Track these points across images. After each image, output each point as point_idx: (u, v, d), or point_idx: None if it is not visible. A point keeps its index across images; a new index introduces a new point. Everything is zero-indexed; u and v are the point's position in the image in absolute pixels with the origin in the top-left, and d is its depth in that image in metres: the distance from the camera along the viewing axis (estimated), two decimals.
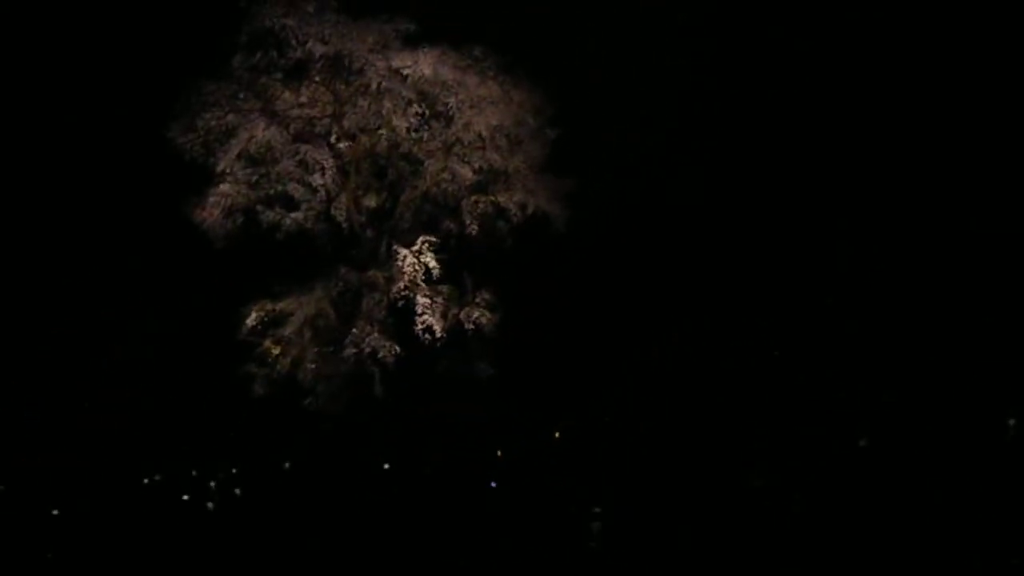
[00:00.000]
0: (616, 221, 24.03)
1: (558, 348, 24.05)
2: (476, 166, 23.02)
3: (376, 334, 21.47)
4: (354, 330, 21.47)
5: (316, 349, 22.35)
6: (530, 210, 23.33)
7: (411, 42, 21.94)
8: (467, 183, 23.26)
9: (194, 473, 22.06)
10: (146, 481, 21.53)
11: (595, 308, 24.16)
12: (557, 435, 26.11)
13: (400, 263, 21.78)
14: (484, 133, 22.51)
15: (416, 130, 22.45)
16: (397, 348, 21.36)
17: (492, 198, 23.36)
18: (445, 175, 23.25)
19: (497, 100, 22.32)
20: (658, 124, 24.30)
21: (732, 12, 23.84)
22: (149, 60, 21.17)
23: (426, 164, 23.19)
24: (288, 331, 22.79)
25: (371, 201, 23.51)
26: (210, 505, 21.24)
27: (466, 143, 22.96)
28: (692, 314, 23.90)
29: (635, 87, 24.20)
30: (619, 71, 24.14)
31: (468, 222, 23.02)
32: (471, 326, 21.96)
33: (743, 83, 23.63)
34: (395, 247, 21.77)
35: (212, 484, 21.62)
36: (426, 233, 23.07)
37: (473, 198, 23.21)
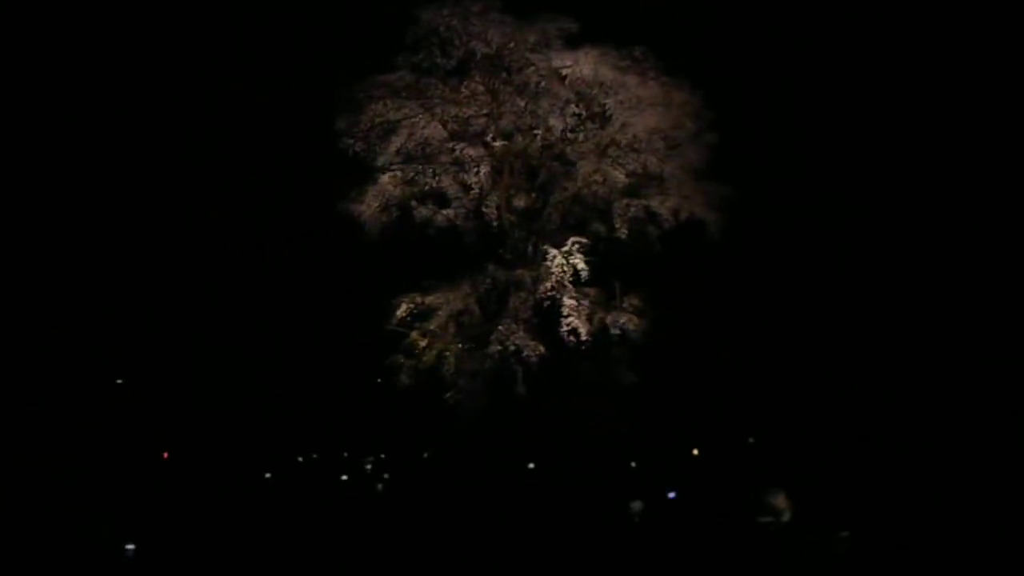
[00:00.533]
0: (771, 231, 22.59)
1: (703, 358, 22.84)
2: (630, 169, 22.25)
3: (521, 332, 21.20)
4: (500, 327, 21.22)
5: (461, 344, 22.12)
6: (683, 216, 22.38)
7: (573, 41, 21.43)
8: (619, 186, 22.61)
9: (345, 455, 22.33)
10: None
11: (743, 318, 22.84)
12: (695, 452, 25.06)
13: (549, 263, 21.36)
14: (641, 135, 21.84)
15: (572, 130, 21.97)
16: (542, 348, 20.97)
17: (644, 202, 22.53)
18: (597, 176, 22.68)
19: (657, 102, 21.71)
20: (819, 137, 22.79)
21: None
22: (323, 56, 21.39)
23: (579, 165, 22.64)
24: (435, 324, 22.70)
25: (522, 200, 23.19)
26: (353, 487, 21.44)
27: (622, 145, 22.30)
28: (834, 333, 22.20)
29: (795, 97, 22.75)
30: (779, 80, 22.75)
31: (618, 225, 22.31)
32: (617, 331, 21.31)
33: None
34: (544, 247, 21.27)
35: (367, 467, 21.84)
36: (575, 235, 22.41)
37: (624, 201, 22.49)
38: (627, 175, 22.53)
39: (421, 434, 22.51)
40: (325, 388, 23.27)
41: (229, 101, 22.18)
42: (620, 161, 22.51)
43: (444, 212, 23.80)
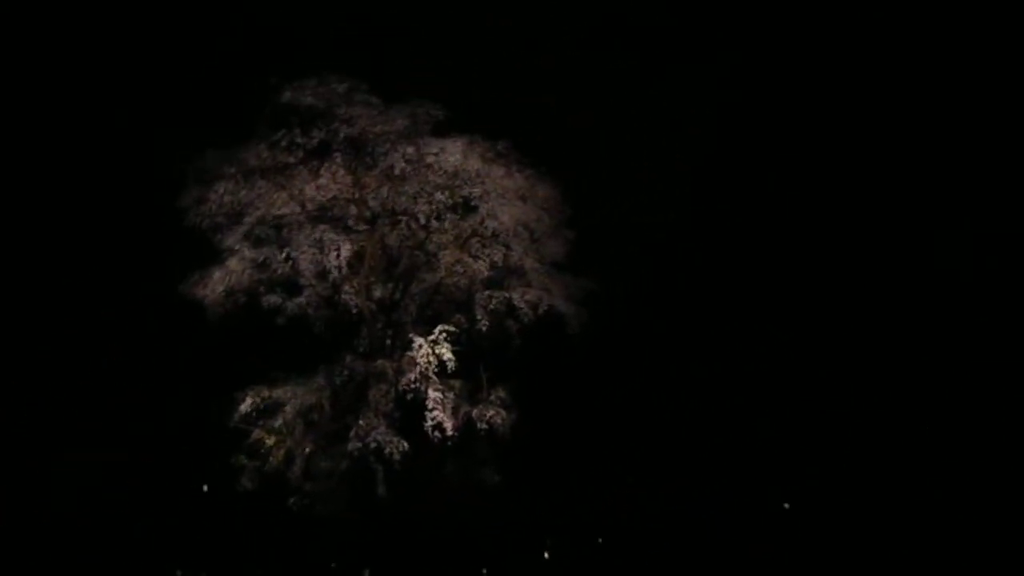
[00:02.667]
0: (631, 323, 22.02)
1: (566, 454, 21.54)
2: (493, 260, 21.06)
3: (383, 428, 18.93)
4: (360, 422, 18.90)
5: (313, 443, 19.54)
6: (542, 309, 21.36)
7: (440, 129, 20.25)
8: (480, 277, 21.32)
9: (178, 573, 18.74)
10: None
11: (605, 412, 21.90)
12: (546, 555, 23.54)
13: (413, 353, 19.44)
14: (506, 226, 20.73)
15: (437, 218, 20.53)
16: (405, 444, 18.79)
17: (506, 294, 21.34)
18: (458, 267, 21.30)
19: (522, 194, 20.76)
20: (674, 225, 22.82)
21: (739, 106, 22.86)
22: (167, 125, 18.94)
23: (441, 254, 21.18)
24: (284, 420, 20.03)
25: (382, 288, 21.32)
26: None
27: (486, 235, 21.14)
28: (705, 422, 21.81)
29: (651, 187, 22.78)
30: (635, 170, 22.76)
31: (479, 317, 20.90)
32: (484, 425, 19.55)
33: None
34: (411, 336, 19.43)
35: None
36: (433, 327, 20.78)
37: (487, 293, 21.18)
38: (490, 266, 21.16)
39: (266, 546, 19.22)
40: (155, 493, 19.58)
41: (69, 162, 18.86)
42: (483, 252, 21.15)
43: (295, 300, 21.29)
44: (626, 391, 22.17)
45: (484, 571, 21.81)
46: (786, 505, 21.89)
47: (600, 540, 24.08)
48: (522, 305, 21.50)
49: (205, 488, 21.98)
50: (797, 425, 20.53)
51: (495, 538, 21.48)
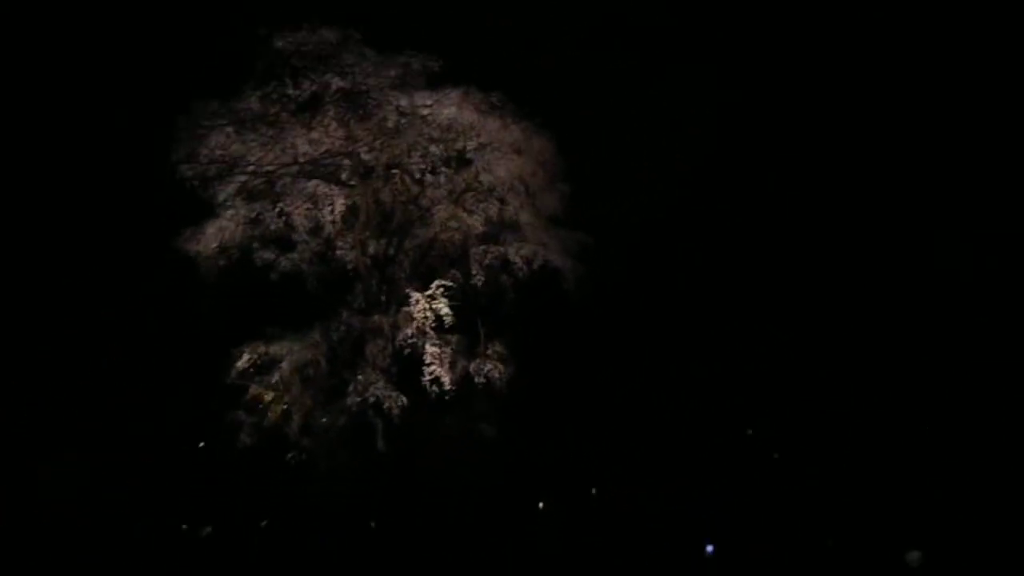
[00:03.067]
0: (629, 278, 21.95)
1: (562, 408, 21.60)
2: (488, 215, 20.86)
3: (382, 383, 18.86)
4: (359, 376, 18.81)
5: (311, 398, 19.48)
6: (536, 264, 21.21)
7: (435, 80, 19.85)
8: (476, 232, 21.12)
9: (184, 527, 18.77)
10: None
11: (601, 367, 21.91)
12: (541, 505, 23.76)
13: (410, 308, 19.31)
14: (501, 180, 20.47)
15: (432, 172, 20.24)
16: (404, 399, 18.76)
17: (501, 248, 21.16)
18: (453, 223, 21.06)
19: (518, 147, 20.48)
20: (673, 181, 22.65)
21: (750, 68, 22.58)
22: (158, 78, 18.45)
23: (435, 209, 20.95)
24: (280, 376, 19.94)
25: (376, 243, 21.10)
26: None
27: (481, 189, 20.89)
28: (700, 376, 21.90)
29: (653, 143, 22.55)
30: (632, 123, 22.50)
31: (475, 272, 20.73)
32: (482, 379, 19.53)
33: (761, 137, 22.25)
34: (407, 291, 19.27)
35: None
36: (427, 282, 20.63)
37: (482, 247, 20.99)
38: (485, 221, 20.97)
39: (267, 499, 19.26)
40: (153, 450, 19.52)
41: (56, 112, 18.39)
42: (478, 207, 20.90)
43: (288, 256, 21.07)
44: (622, 345, 22.12)
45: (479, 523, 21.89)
46: (749, 431, 22.05)
47: (594, 491, 24.25)
48: (517, 260, 21.35)
49: (202, 445, 21.90)
50: (804, 373, 20.58)
51: (493, 490, 21.55)
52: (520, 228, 21.63)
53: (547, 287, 21.72)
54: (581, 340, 22.19)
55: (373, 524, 19.25)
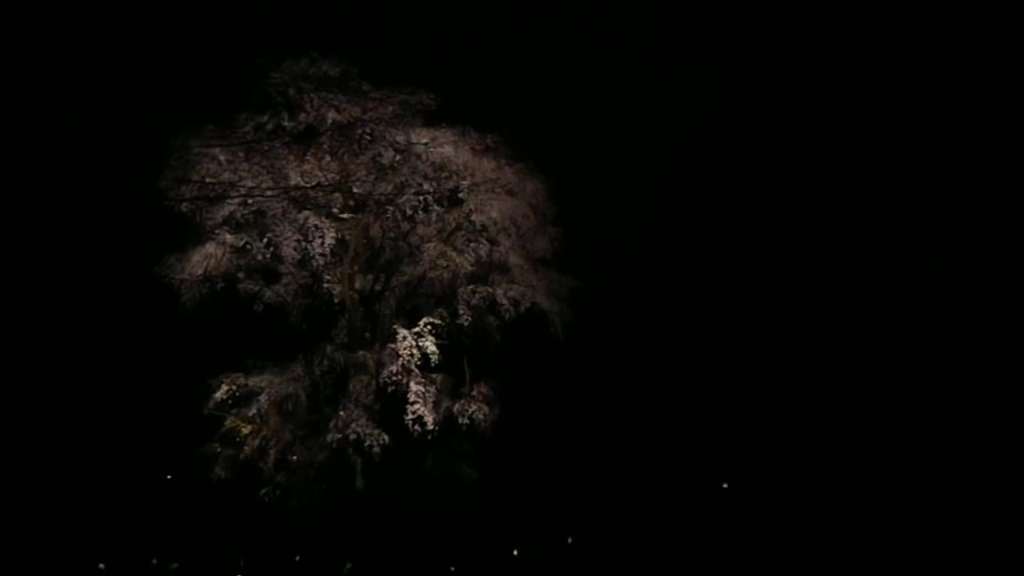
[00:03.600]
0: (616, 321, 21.94)
1: (545, 452, 21.39)
2: (478, 255, 20.82)
3: (364, 420, 18.56)
4: (341, 413, 18.52)
5: (290, 433, 19.11)
6: (523, 307, 21.13)
7: (432, 118, 19.95)
8: (465, 271, 21.04)
9: (153, 561, 18.15)
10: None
11: (584, 412, 21.77)
12: (515, 552, 23.39)
13: (396, 345, 19.10)
14: (493, 221, 20.48)
15: (424, 209, 20.19)
16: (385, 437, 18.46)
17: (490, 289, 21.08)
18: (442, 261, 20.98)
19: (511, 189, 20.54)
20: (661, 222, 22.79)
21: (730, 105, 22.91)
22: (151, 101, 18.34)
23: (425, 247, 20.88)
24: (258, 409, 19.57)
25: (363, 279, 20.96)
26: None
27: (472, 229, 20.88)
28: (683, 424, 21.81)
29: (639, 185, 22.74)
30: (623, 168, 22.70)
31: (462, 312, 20.59)
32: (466, 421, 19.28)
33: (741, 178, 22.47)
34: (395, 327, 19.08)
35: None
36: (414, 318, 20.47)
37: (471, 287, 20.89)
38: (475, 261, 20.91)
39: (238, 536, 18.73)
40: (127, 480, 18.99)
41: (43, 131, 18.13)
42: (469, 246, 20.87)
43: (273, 288, 20.81)
44: (608, 390, 21.98)
45: (452, 569, 21.47)
46: (724, 485, 21.91)
47: (570, 540, 23.91)
48: (504, 301, 21.17)
49: (169, 477, 21.34)
50: (783, 425, 20.54)
51: (470, 533, 21.17)
52: (509, 269, 21.57)
53: (534, 329, 21.51)
54: (566, 384, 21.95)
55: (349, 565, 18.73)
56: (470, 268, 21.31)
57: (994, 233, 20.04)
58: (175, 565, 18.32)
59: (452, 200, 21.43)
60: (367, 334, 21.34)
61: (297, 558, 18.72)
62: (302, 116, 20.06)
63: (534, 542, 22.41)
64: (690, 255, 22.98)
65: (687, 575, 17.89)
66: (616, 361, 22.75)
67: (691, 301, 22.95)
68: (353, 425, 18.85)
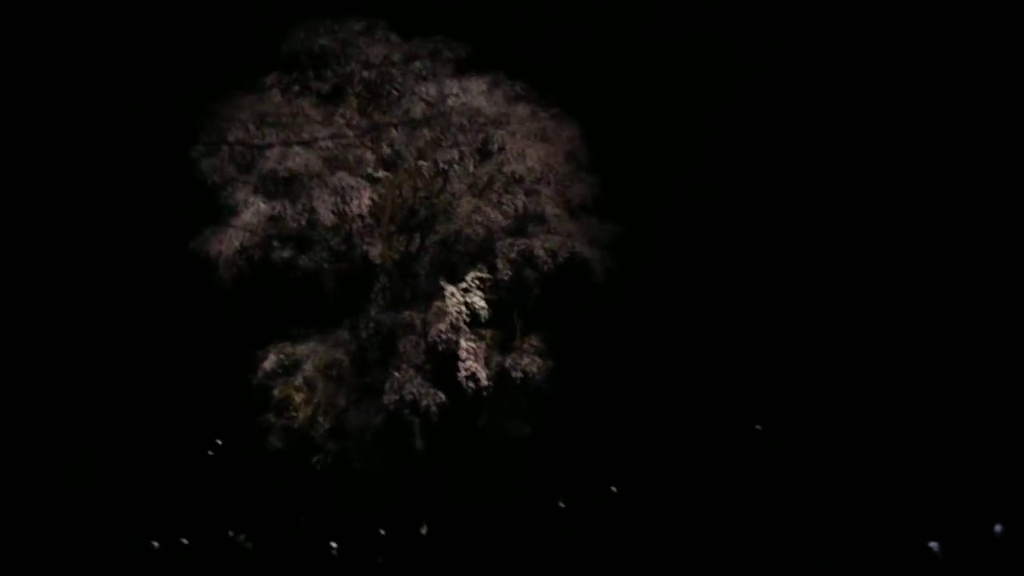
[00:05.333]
0: (658, 270, 21.85)
1: (596, 404, 21.43)
2: (514, 207, 20.65)
3: (418, 380, 18.57)
4: (396, 374, 18.53)
5: (344, 397, 19.16)
6: (562, 257, 20.96)
7: (462, 68, 19.65)
8: (502, 225, 20.88)
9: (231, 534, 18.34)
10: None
11: (629, 363, 21.76)
12: (562, 504, 23.58)
13: (443, 303, 19.05)
14: (530, 169, 20.26)
15: (459, 163, 20.00)
16: (442, 396, 18.49)
17: (528, 241, 20.95)
18: (477, 216, 20.83)
19: (546, 136, 20.27)
20: (700, 171, 22.61)
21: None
22: (178, 69, 18.09)
23: (460, 202, 20.71)
24: (304, 377, 19.60)
25: (400, 239, 20.84)
26: None
27: (507, 181, 20.67)
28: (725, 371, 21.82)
29: (679, 132, 22.50)
30: (661, 111, 22.41)
31: (501, 266, 20.49)
32: (519, 375, 19.29)
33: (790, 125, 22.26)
34: (441, 284, 19.01)
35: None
36: (452, 277, 20.37)
37: (508, 240, 20.75)
38: (512, 213, 20.76)
39: (299, 503, 18.90)
40: (178, 456, 19.12)
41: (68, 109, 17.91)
42: (506, 198, 20.67)
43: (309, 254, 20.72)
44: (654, 337, 21.96)
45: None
46: (758, 427, 22.01)
47: (614, 489, 24.09)
48: (541, 254, 21.03)
49: (210, 453, 21.46)
50: (815, 379, 20.52)
51: (523, 488, 21.30)
52: (546, 220, 21.41)
53: (577, 278, 21.44)
54: (611, 334, 21.93)
55: (424, 530, 18.89)
56: (506, 221, 21.10)
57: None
58: (242, 537, 18.47)
59: (485, 152, 21.16)
60: (408, 294, 21.23)
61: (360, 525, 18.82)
62: (328, 75, 19.78)
63: (582, 495, 22.51)
64: (733, 198, 22.72)
65: (727, 528, 17.94)
66: (662, 307, 22.62)
67: (736, 243, 22.78)
68: (408, 386, 18.86)
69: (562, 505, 23.64)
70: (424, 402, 18.74)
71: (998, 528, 12.07)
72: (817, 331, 22.53)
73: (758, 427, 23.49)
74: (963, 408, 18.47)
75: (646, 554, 17.74)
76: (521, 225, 21.38)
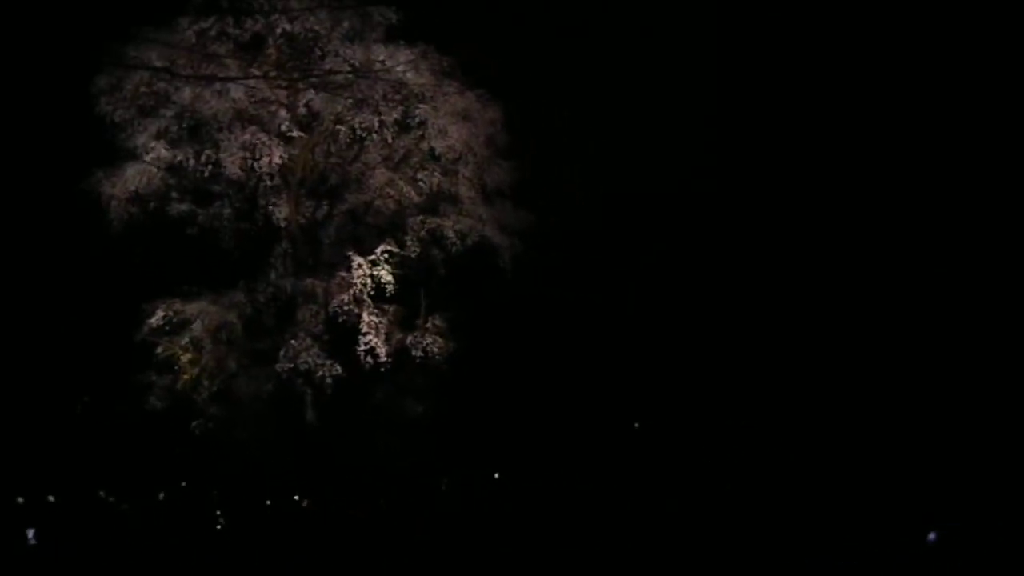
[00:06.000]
0: (571, 258, 22.09)
1: (491, 390, 21.54)
2: (430, 184, 20.51)
3: (316, 350, 18.21)
4: (292, 342, 18.09)
5: (235, 361, 18.59)
6: (471, 240, 20.99)
7: (392, 34, 19.31)
8: (414, 201, 20.70)
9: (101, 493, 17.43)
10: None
11: (536, 349, 21.98)
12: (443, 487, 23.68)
13: (349, 274, 18.75)
14: (450, 149, 20.15)
15: (377, 132, 19.68)
16: (338, 368, 18.20)
17: (439, 220, 20.86)
18: (390, 189, 20.60)
19: (469, 115, 20.14)
20: (627, 158, 22.89)
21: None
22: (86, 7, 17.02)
23: (374, 173, 20.42)
24: (191, 338, 18.93)
25: (310, 203, 20.39)
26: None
27: (428, 156, 20.52)
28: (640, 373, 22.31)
29: (602, 118, 22.72)
30: (586, 99, 22.60)
31: (409, 243, 20.35)
32: (420, 354, 19.19)
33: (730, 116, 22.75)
34: (349, 254, 18.70)
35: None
36: (359, 248, 20.10)
37: (420, 218, 20.61)
38: (427, 189, 20.58)
39: (177, 469, 18.22)
40: (53, 408, 18.10)
41: None
42: (422, 173, 20.50)
43: (210, 209, 20.00)
44: (562, 326, 22.14)
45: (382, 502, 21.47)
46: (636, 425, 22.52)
47: (496, 475, 24.24)
48: (451, 235, 20.90)
49: (86, 400, 20.40)
50: (729, 359, 21.07)
51: (409, 468, 21.15)
52: (460, 201, 21.22)
53: (486, 262, 21.39)
54: (518, 319, 21.98)
55: (305, 502, 18.43)
56: (418, 199, 20.84)
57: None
58: (112, 499, 17.57)
59: (405, 125, 20.82)
60: (310, 261, 20.72)
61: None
62: (249, 23, 18.97)
63: (464, 477, 22.51)
64: (653, 196, 23.02)
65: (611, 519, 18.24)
66: (572, 297, 22.78)
67: (652, 239, 23.11)
68: (304, 355, 18.36)
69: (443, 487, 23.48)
70: (319, 373, 18.21)
71: (932, 536, 12.60)
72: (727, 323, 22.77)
73: (636, 425, 23.89)
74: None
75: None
76: (433, 203, 21.06)
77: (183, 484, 18.34)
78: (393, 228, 21.04)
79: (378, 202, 20.93)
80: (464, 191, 21.00)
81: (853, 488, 15.89)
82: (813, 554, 12.86)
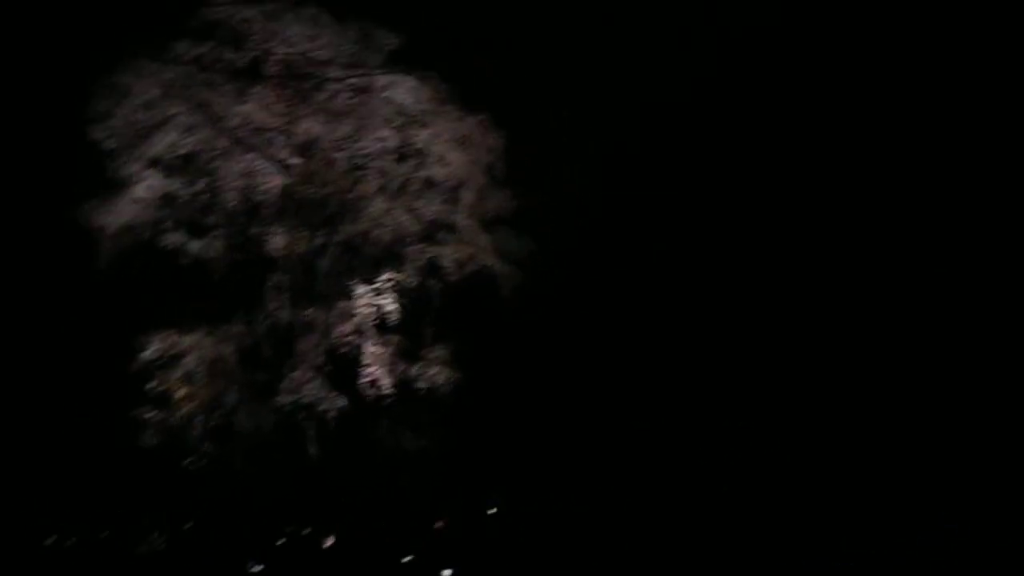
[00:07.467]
0: (572, 287, 22.00)
1: (498, 423, 21.27)
2: (430, 211, 20.38)
3: (319, 383, 17.86)
4: (295, 375, 17.72)
5: (236, 393, 18.18)
6: (469, 269, 20.82)
7: (393, 59, 19.28)
8: (416, 229, 20.54)
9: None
10: None
11: (542, 380, 21.78)
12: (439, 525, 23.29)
13: (351, 303, 18.47)
14: (448, 175, 20.05)
15: (377, 160, 19.56)
16: (343, 401, 17.86)
17: (440, 248, 20.69)
18: (389, 218, 20.43)
19: (469, 142, 20.09)
20: (626, 187, 22.95)
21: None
22: (78, 23, 16.81)
23: (373, 201, 20.26)
24: (186, 371, 18.51)
25: (307, 232, 20.12)
26: None
27: (423, 184, 20.38)
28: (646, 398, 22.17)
29: (603, 147, 22.79)
30: (589, 128, 22.69)
31: (408, 273, 20.14)
32: (423, 386, 18.89)
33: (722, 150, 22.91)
34: (351, 284, 18.44)
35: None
36: (358, 278, 19.86)
37: (420, 246, 20.42)
38: (426, 218, 20.42)
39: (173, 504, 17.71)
40: (44, 445, 17.55)
41: None
42: (421, 201, 20.35)
43: (204, 239, 19.69)
44: (568, 356, 21.95)
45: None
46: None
47: (493, 511, 23.89)
48: (448, 264, 20.72)
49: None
50: (742, 396, 21.03)
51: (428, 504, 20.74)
52: (458, 229, 21.05)
53: (486, 292, 21.18)
54: (517, 350, 21.75)
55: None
56: (418, 226, 20.65)
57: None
58: (105, 534, 16.97)
59: (402, 152, 20.68)
60: (308, 292, 20.41)
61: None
62: (247, 48, 18.81)
63: (465, 512, 22.12)
64: (650, 223, 23.04)
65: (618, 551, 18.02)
66: (577, 326, 22.62)
67: (652, 265, 23.08)
68: (306, 388, 17.96)
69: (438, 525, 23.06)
70: (323, 407, 17.80)
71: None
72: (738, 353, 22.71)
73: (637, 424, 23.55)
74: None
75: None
76: (431, 232, 20.85)
77: (185, 526, 17.65)
78: (390, 258, 20.70)
79: (375, 231, 20.60)
80: (462, 219, 20.77)
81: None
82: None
